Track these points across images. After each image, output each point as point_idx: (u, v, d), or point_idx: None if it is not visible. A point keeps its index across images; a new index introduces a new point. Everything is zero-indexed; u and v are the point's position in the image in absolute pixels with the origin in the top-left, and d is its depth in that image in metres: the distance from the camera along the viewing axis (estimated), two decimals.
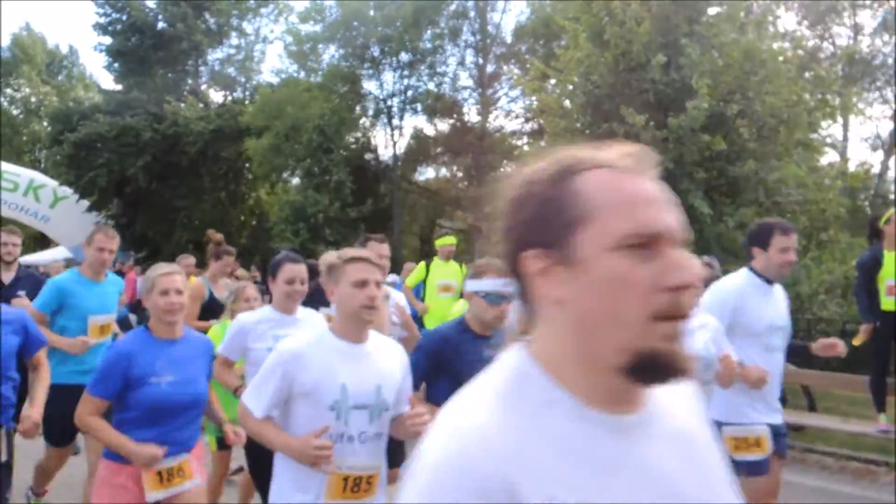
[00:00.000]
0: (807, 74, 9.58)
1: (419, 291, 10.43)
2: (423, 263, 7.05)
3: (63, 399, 3.91)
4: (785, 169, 8.90)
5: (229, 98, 24.72)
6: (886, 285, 6.14)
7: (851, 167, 14.66)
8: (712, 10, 9.93)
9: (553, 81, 10.74)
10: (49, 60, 41.78)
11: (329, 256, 4.14)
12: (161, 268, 3.26)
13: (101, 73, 62.90)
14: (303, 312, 3.84)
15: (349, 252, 2.68)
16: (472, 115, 20.45)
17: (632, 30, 9.01)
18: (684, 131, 8.67)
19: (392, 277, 11.71)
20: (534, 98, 10.89)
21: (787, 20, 18.66)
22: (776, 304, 3.77)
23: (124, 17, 23.60)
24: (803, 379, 7.69)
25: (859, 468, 6.31)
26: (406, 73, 19.28)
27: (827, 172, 9.69)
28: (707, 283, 7.07)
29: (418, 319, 9.72)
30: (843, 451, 6.69)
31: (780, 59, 9.38)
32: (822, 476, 6.19)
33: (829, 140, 10.45)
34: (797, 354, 5.67)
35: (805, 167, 9.30)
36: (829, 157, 11.03)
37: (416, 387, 3.03)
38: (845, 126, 19.30)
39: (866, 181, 12.96)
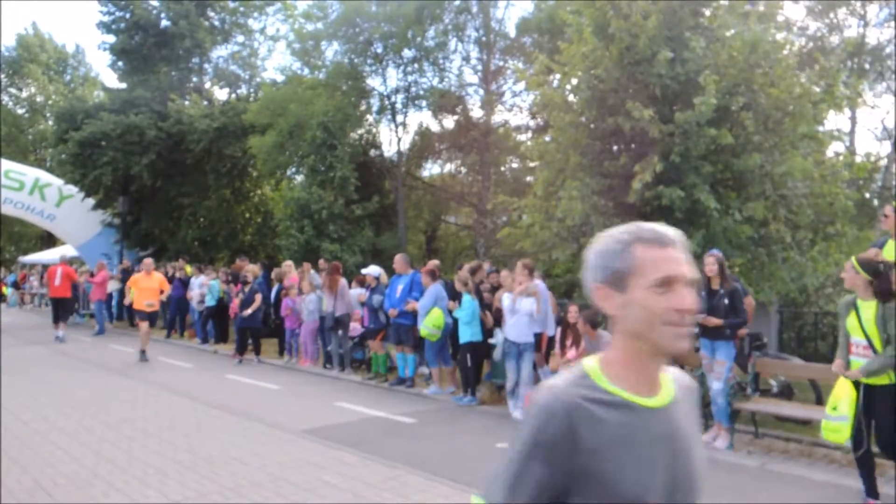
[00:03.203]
0: (816, 67, 9.50)
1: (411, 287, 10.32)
2: None
3: None
4: (791, 162, 8.84)
5: (233, 96, 24.73)
6: None
7: (858, 159, 14.55)
8: (716, 3, 9.87)
9: (557, 76, 10.69)
10: (55, 59, 41.85)
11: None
12: None
13: (105, 72, 63.02)
14: None
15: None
16: (476, 110, 20.42)
17: (638, 23, 8.97)
18: (690, 125, 8.62)
19: (375, 270, 11.66)
20: (538, 93, 10.84)
21: (796, 11, 18.52)
22: None
23: (128, 16, 23.61)
24: (810, 372, 7.66)
25: None
26: (410, 69, 19.23)
27: (833, 165, 9.61)
28: (720, 268, 7.08)
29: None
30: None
31: (785, 51, 9.31)
32: (829, 470, 6.17)
33: (835, 132, 10.35)
34: None
35: (811, 160, 9.23)
36: (835, 148, 10.94)
37: None
38: (853, 118, 19.19)
39: (873, 173, 12.89)
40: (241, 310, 13.26)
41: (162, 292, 14.38)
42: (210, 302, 15.55)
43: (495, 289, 9.91)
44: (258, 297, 13.28)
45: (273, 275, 14.16)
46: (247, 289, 13.67)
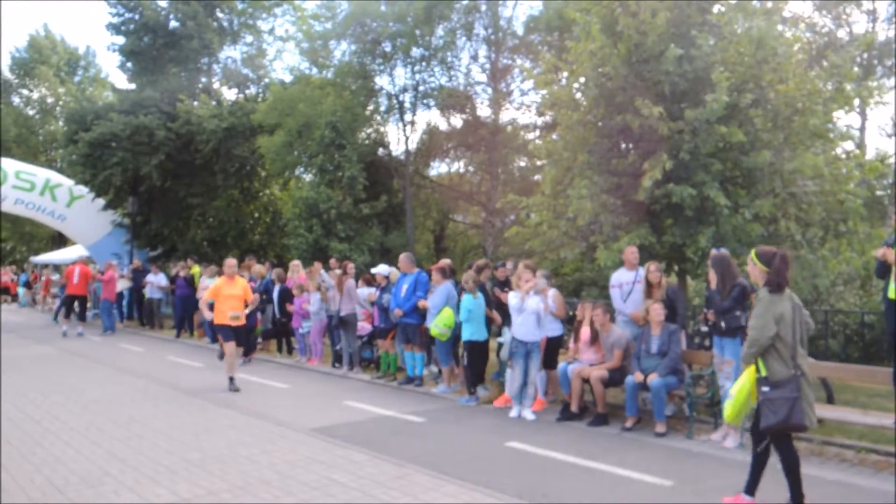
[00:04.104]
0: (825, 63, 9.43)
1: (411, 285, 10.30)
2: None
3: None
4: (801, 159, 8.78)
5: (241, 96, 24.81)
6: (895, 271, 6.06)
7: (869, 156, 14.44)
8: (725, 1, 9.81)
9: (565, 74, 10.66)
10: (66, 60, 42.07)
11: None
12: None
13: (115, 73, 63.33)
14: None
15: None
16: (484, 109, 20.39)
17: (646, 21, 8.93)
18: (700, 123, 8.58)
19: (385, 269, 11.66)
20: (545, 91, 10.81)
21: (804, 7, 18.41)
22: None
23: (136, 17, 23.72)
24: (822, 371, 7.61)
25: (879, 461, 6.24)
26: (418, 67, 19.24)
27: (844, 163, 9.53)
28: (719, 269, 7.07)
29: None
30: (863, 444, 6.60)
31: (796, 47, 9.25)
32: (840, 469, 6.13)
33: (846, 128, 10.26)
34: None
35: (822, 158, 9.15)
36: (846, 146, 10.85)
37: None
38: (862, 115, 19.07)
39: (884, 170, 12.79)
40: None
41: (246, 304, 10.90)
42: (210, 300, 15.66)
43: (504, 283, 9.91)
44: (255, 297, 13.12)
45: (273, 275, 14.14)
46: None
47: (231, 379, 10.17)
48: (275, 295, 13.82)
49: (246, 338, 13.40)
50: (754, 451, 5.03)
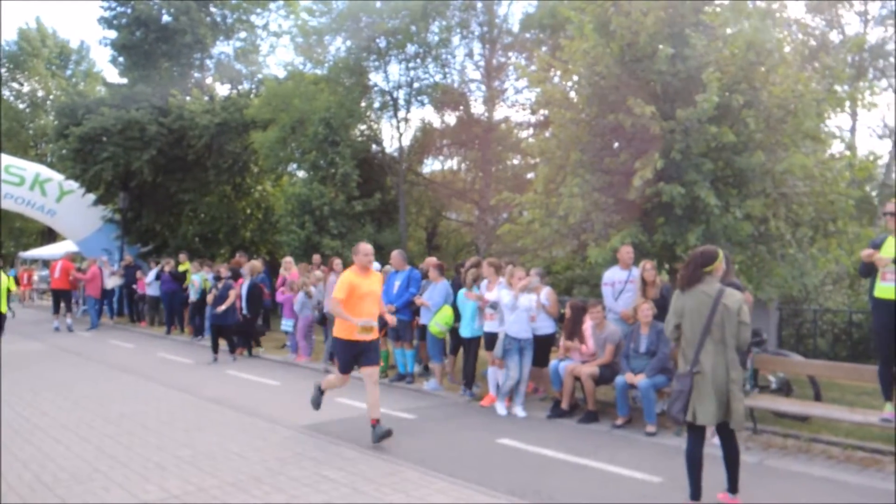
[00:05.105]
0: (816, 64, 9.48)
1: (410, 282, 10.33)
2: None
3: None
4: (792, 159, 8.82)
5: (234, 91, 24.72)
6: (882, 270, 6.10)
7: (860, 154, 14.51)
8: (718, 1, 9.84)
9: (559, 72, 10.68)
10: (57, 54, 41.79)
11: None
12: None
13: (107, 68, 62.93)
14: None
15: None
16: (478, 106, 20.39)
17: (638, 20, 8.96)
18: (692, 122, 8.60)
19: (378, 266, 11.67)
20: (539, 89, 10.83)
21: (796, 8, 18.47)
22: None
23: (129, 11, 23.61)
24: (809, 369, 7.67)
25: (865, 458, 6.29)
26: (413, 64, 19.22)
27: (835, 164, 9.58)
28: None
29: None
30: (850, 441, 6.67)
31: (787, 49, 9.29)
32: (827, 465, 6.18)
33: (837, 131, 10.31)
34: None
35: (813, 158, 9.19)
36: (836, 147, 10.92)
37: None
38: (853, 115, 19.17)
39: (873, 171, 12.88)
40: (214, 306, 12.90)
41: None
42: (193, 296, 15.65)
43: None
44: (232, 294, 12.83)
45: (246, 269, 14.06)
46: (220, 284, 13.17)
47: (319, 388, 7.65)
48: (243, 290, 13.45)
49: (213, 335, 13.10)
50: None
